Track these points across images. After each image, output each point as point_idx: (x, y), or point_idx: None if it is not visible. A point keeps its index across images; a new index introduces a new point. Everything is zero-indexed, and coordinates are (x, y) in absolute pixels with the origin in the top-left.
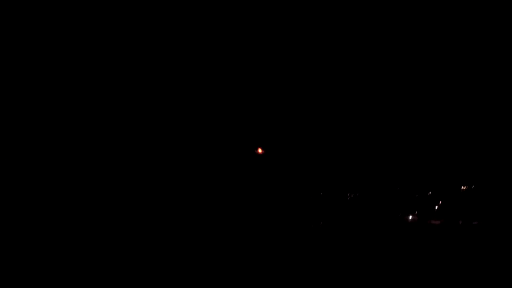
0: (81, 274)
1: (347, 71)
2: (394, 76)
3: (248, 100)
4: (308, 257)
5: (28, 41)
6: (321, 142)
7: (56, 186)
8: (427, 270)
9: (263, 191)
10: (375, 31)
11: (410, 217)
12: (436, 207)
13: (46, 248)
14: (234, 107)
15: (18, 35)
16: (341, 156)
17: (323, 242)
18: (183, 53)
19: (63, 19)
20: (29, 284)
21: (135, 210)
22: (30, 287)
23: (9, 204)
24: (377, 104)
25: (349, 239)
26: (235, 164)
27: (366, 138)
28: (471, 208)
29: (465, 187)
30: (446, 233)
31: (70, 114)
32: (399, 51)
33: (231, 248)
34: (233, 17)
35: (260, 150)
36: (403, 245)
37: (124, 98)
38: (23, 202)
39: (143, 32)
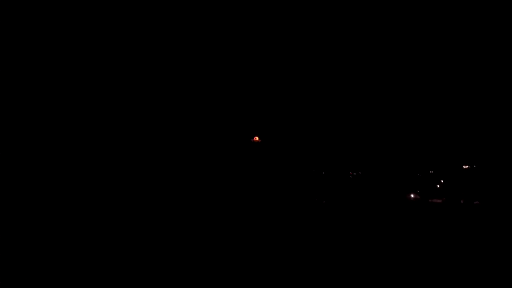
0: (81, 274)
1: (342, 63)
2: (394, 64)
3: (244, 90)
4: (311, 236)
5: (28, 41)
6: (324, 122)
7: (56, 186)
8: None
9: (264, 176)
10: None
11: (412, 195)
12: (438, 186)
13: (46, 248)
14: (231, 100)
15: (18, 35)
16: (346, 136)
17: (326, 220)
18: (179, 50)
19: (63, 19)
20: (29, 284)
21: (134, 207)
22: (30, 287)
23: (9, 204)
24: (379, 86)
25: (352, 217)
26: (234, 154)
27: (369, 118)
28: (472, 187)
29: (466, 166)
30: (447, 211)
31: (70, 114)
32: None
33: (230, 239)
34: (230, 17)
35: (257, 138)
36: (406, 223)
37: (121, 96)
38: (23, 202)
39: (143, 32)
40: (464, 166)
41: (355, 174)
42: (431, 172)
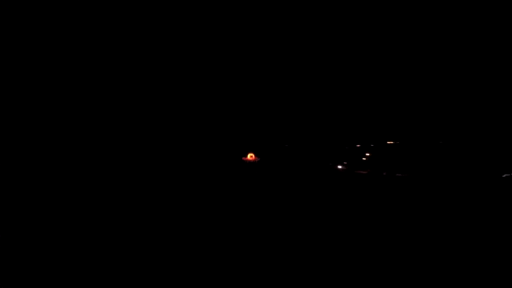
0: (81, 274)
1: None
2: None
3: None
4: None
5: (28, 41)
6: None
7: (56, 185)
8: (351, 217)
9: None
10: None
11: (340, 166)
12: (364, 158)
13: (46, 248)
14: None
15: (18, 35)
16: (273, 103)
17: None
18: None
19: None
20: (29, 284)
21: (134, 209)
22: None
23: (9, 204)
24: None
25: (282, 189)
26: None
27: (300, 89)
28: (395, 161)
29: (391, 142)
30: (371, 182)
31: (70, 114)
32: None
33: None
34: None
35: (252, 156)
36: (333, 193)
37: (121, 98)
38: (23, 202)
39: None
40: (388, 142)
41: (287, 145)
42: (358, 146)
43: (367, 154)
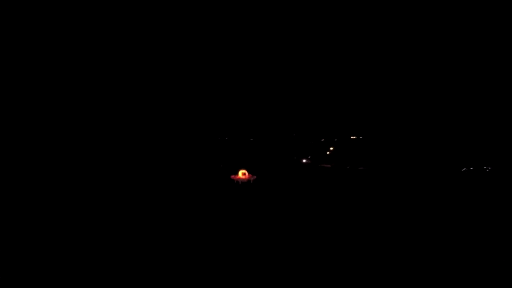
0: (81, 274)
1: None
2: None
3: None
4: None
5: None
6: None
7: (56, 185)
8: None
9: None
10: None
11: (304, 160)
12: (328, 153)
13: (46, 248)
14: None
15: (18, 35)
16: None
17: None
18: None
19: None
20: (29, 284)
21: (134, 209)
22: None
23: (9, 204)
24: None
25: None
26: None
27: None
28: (357, 156)
29: (354, 137)
30: (335, 174)
31: (70, 114)
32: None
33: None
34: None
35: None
36: (298, 184)
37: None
38: (23, 202)
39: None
40: (351, 137)
41: (252, 140)
42: (322, 140)
43: (331, 149)
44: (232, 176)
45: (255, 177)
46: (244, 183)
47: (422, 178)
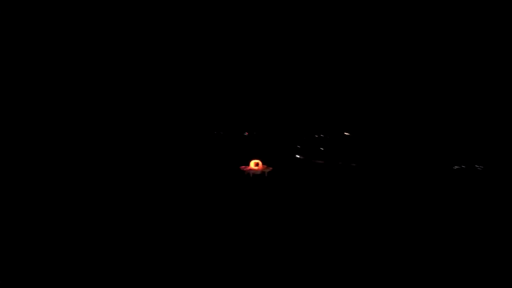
0: (81, 274)
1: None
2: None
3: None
4: None
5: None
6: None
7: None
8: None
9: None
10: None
11: (298, 156)
12: (321, 149)
13: (46, 248)
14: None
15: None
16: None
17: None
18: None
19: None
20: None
21: (134, 209)
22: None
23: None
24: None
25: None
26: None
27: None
28: (349, 152)
29: (347, 133)
30: (327, 170)
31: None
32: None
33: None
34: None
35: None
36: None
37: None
38: (23, 202)
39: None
40: (345, 133)
41: (246, 133)
42: (316, 136)
43: (324, 144)
44: (242, 167)
45: (270, 168)
46: (256, 175)
47: (415, 175)
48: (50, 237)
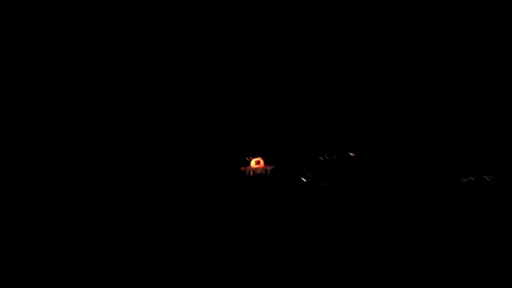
0: (81, 274)
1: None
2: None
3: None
4: None
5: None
6: None
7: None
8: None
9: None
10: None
11: (304, 179)
12: (328, 171)
13: (46, 248)
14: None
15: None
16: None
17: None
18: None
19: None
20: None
21: (134, 209)
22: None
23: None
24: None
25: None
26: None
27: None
28: (356, 173)
29: (352, 154)
30: (335, 192)
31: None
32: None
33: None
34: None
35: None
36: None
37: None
38: (22, 202)
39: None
40: (350, 154)
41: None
42: (321, 158)
43: (330, 166)
44: (243, 168)
45: (272, 167)
46: (257, 174)
47: (423, 194)
48: (50, 237)
